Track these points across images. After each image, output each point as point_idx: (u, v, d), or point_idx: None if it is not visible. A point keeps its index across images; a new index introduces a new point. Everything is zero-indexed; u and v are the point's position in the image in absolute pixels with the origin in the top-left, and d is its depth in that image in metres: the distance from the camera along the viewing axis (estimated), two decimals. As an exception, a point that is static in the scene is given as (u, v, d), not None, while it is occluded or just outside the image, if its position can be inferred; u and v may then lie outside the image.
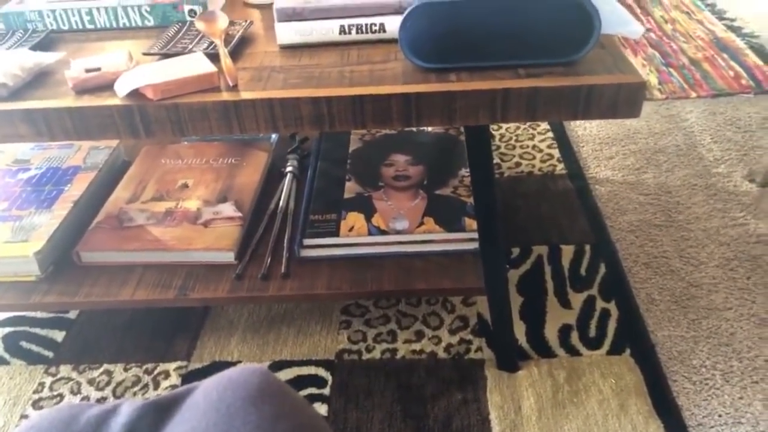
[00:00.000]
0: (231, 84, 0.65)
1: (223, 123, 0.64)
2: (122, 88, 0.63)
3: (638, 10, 1.96)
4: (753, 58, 1.64)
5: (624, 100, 0.61)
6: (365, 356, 0.96)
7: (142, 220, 0.97)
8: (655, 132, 1.41)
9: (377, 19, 0.71)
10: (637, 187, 1.26)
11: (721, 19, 1.87)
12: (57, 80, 0.69)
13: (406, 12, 0.62)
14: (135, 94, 0.63)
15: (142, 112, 0.63)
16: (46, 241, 0.92)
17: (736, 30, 1.79)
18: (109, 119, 0.63)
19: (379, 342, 0.98)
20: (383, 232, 0.91)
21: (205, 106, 0.63)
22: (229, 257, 0.92)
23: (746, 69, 1.60)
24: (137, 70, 0.65)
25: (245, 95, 0.63)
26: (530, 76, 0.62)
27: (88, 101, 0.63)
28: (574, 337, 0.96)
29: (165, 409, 0.42)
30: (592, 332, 0.97)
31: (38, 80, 0.69)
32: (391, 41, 0.71)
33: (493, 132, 1.44)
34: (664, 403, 0.86)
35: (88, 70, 0.65)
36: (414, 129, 1.13)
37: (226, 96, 0.63)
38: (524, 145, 1.39)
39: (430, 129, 1.13)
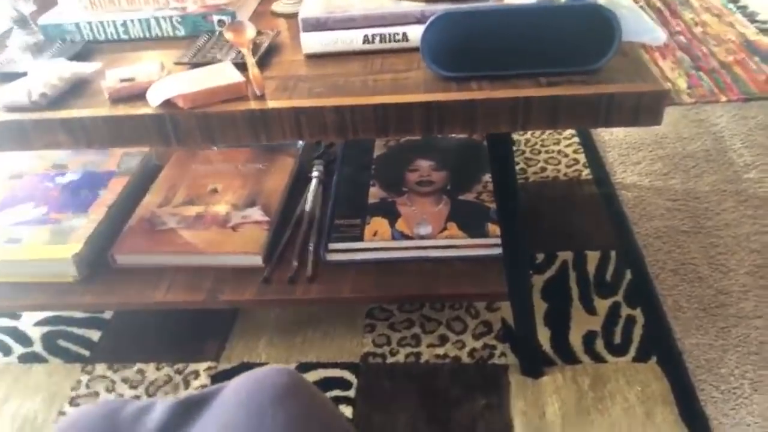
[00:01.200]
0: (258, 93, 0.67)
1: (251, 131, 0.66)
2: (155, 97, 0.65)
3: (667, 13, 1.93)
4: (787, 61, 1.61)
5: (645, 108, 0.61)
6: (389, 360, 0.97)
7: (174, 224, 1.00)
8: (684, 137, 1.40)
9: (399, 29, 0.72)
10: (665, 192, 1.24)
11: (753, 21, 1.83)
12: (94, 89, 0.72)
13: (427, 22, 0.63)
14: (167, 103, 0.66)
15: (173, 121, 0.65)
16: (84, 244, 0.96)
17: (769, 32, 1.76)
18: (142, 128, 0.66)
19: (404, 346, 0.99)
20: (407, 237, 0.92)
21: (234, 115, 0.65)
22: (256, 261, 0.94)
23: (780, 72, 1.56)
24: (169, 80, 0.68)
25: (272, 104, 0.65)
26: (551, 85, 0.63)
27: (122, 110, 0.66)
28: (599, 344, 0.96)
29: (196, 406, 0.44)
30: (618, 339, 0.96)
31: (76, 89, 0.73)
32: (414, 50, 0.72)
33: (518, 137, 1.45)
34: (691, 412, 0.86)
35: (122, 80, 0.68)
36: (437, 135, 1.14)
37: (253, 105, 0.65)
38: (549, 150, 1.39)
39: (453, 135, 1.14)
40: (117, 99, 0.68)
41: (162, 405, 0.45)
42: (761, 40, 1.72)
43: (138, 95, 0.68)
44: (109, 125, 0.66)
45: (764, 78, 1.55)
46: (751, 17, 1.86)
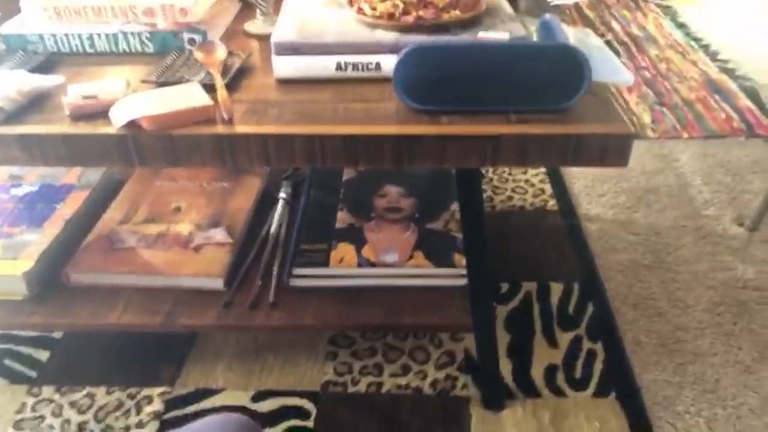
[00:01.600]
0: (226, 117, 0.65)
1: (217, 156, 0.64)
2: (118, 117, 0.63)
3: (634, 48, 1.99)
4: (745, 101, 1.67)
5: (613, 149, 0.62)
6: (350, 389, 0.95)
7: (134, 242, 0.97)
8: (648, 170, 1.43)
9: (373, 58, 0.72)
10: (628, 226, 1.27)
11: (714, 60, 1.90)
12: (54, 105, 0.69)
13: (400, 55, 0.63)
14: (130, 123, 0.64)
15: (136, 142, 0.63)
16: (36, 261, 0.92)
17: (729, 72, 1.82)
18: (103, 148, 0.64)
19: (365, 375, 0.97)
20: (373, 265, 0.91)
21: (200, 139, 0.63)
22: (218, 284, 0.92)
23: (738, 112, 1.62)
24: (133, 98, 0.66)
25: (240, 129, 0.64)
26: (521, 122, 0.63)
27: (83, 128, 0.64)
28: (560, 378, 0.96)
29: None
30: (578, 373, 0.97)
31: (36, 104, 0.70)
32: (387, 80, 0.72)
33: (488, 165, 1.46)
34: (647, 449, 0.86)
35: (84, 97, 0.66)
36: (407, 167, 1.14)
37: (220, 129, 0.64)
38: (517, 179, 1.40)
39: (424, 162, 1.14)
40: (78, 116, 0.66)
41: None
42: (722, 79, 1.78)
43: (100, 113, 0.66)
44: (68, 144, 0.64)
45: (724, 117, 1.60)
46: (713, 56, 1.92)
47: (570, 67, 0.63)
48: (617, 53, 1.96)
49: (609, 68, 0.69)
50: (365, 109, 0.67)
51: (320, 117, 0.66)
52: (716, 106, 1.65)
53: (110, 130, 0.64)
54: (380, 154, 0.63)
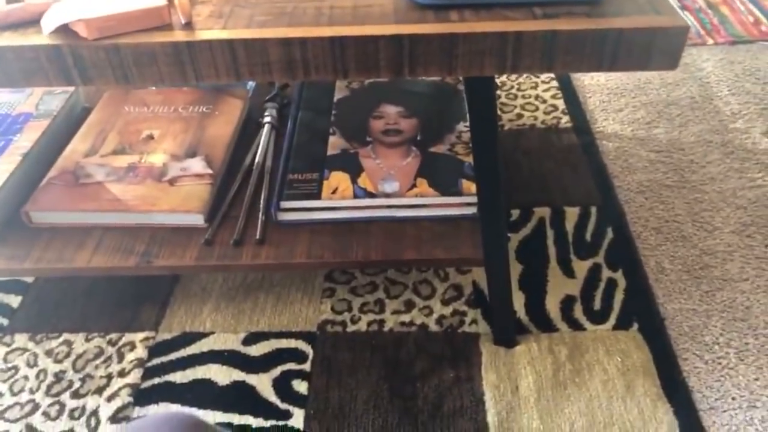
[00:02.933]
0: (183, 21, 0.53)
1: (175, 69, 0.52)
2: (49, 23, 0.51)
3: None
4: (775, 2, 1.51)
5: (660, 48, 0.50)
6: (350, 328, 0.88)
7: (101, 177, 0.87)
8: (668, 82, 1.30)
9: (364, -56, 0.58)
10: (648, 143, 1.16)
11: (741, -43, 1.72)
12: (-24, 13, 0.57)
13: (398, -68, 0.50)
14: (67, 31, 0.52)
15: (75, 55, 0.52)
16: (-9, 199, 0.82)
17: (757, -30, 1.65)
18: (34, 62, 0.52)
19: (366, 312, 0.89)
20: (370, 195, 0.81)
21: (153, 49, 0.52)
22: (197, 220, 0.82)
23: (766, 14, 1.47)
24: (70, 2, 0.53)
25: (201, 35, 0.52)
26: (547, 17, 0.51)
27: (8, 40, 0.52)
28: (578, 310, 0.88)
29: None
30: (597, 304, 0.89)
31: (-45, 13, 0.57)
32: (381, -29, 0.59)
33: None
34: (673, 385, 0.80)
35: (9, 2, 0.53)
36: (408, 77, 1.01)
37: (178, 36, 0.52)
38: (527, 95, 1.28)
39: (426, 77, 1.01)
40: (3, 26, 0.54)
41: None
42: (749, -21, 1.62)
43: (30, 21, 0.54)
44: (-8, 59, 0.52)
45: (752, 20, 1.45)
46: (739, -47, 1.74)
47: (608, -55, 0.50)
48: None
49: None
50: (356, 6, 0.55)
51: (301, 18, 0.54)
52: (742, 8, 1.50)
53: (42, 40, 0.52)
54: (375, 62, 0.52)
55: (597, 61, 0.51)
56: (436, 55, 0.51)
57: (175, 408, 0.80)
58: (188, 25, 0.53)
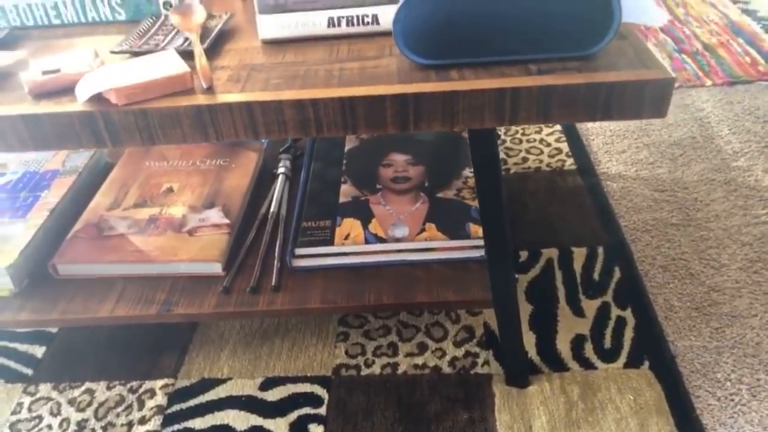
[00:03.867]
0: (205, 86, 0.58)
1: (198, 130, 0.57)
2: (83, 92, 0.56)
3: (648, -7, 1.87)
4: (771, 43, 1.56)
5: (650, 99, 0.54)
6: (364, 372, 0.89)
7: (124, 229, 0.91)
8: (669, 123, 1.34)
9: (370, 10, 0.63)
10: (652, 182, 1.18)
11: (734, 2, 1.78)
12: (13, 84, 0.62)
13: (399, 3, 0.55)
14: (98, 98, 0.57)
15: (106, 119, 0.56)
16: (20, 253, 0.86)
17: (751, 13, 1.71)
18: (68, 127, 0.56)
19: (379, 356, 0.91)
20: (381, 240, 0.84)
21: (177, 112, 0.56)
22: (216, 268, 0.86)
23: (763, 54, 1.51)
24: (101, 71, 0.58)
25: (222, 98, 0.56)
26: (543, 73, 0.55)
27: (45, 107, 0.57)
28: (588, 349, 0.90)
29: None
30: (608, 343, 0.90)
31: (-5, 83, 0.63)
32: (386, 34, 0.64)
33: (498, 125, 1.37)
34: (687, 422, 0.80)
35: (45, 72, 0.58)
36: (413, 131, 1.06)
37: (200, 99, 0.56)
38: (531, 139, 1.31)
39: (431, 125, 1.06)
40: (39, 94, 0.59)
41: None
42: (744, 21, 1.67)
43: (65, 90, 0.59)
44: (29, 125, 0.56)
45: (749, 60, 1.50)
46: (733, -3, 1.80)
47: (597, 6, 0.54)
48: None
49: (639, 6, 0.60)
50: (363, 68, 0.59)
51: (312, 80, 0.58)
52: (739, 49, 1.54)
53: (76, 107, 0.56)
54: (382, 118, 0.55)
55: (590, 112, 0.54)
56: (438, 111, 0.55)
57: (195, 454, 0.81)
58: (209, 90, 0.57)
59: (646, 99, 0.53)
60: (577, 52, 0.56)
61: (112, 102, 0.56)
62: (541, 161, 1.25)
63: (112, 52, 0.65)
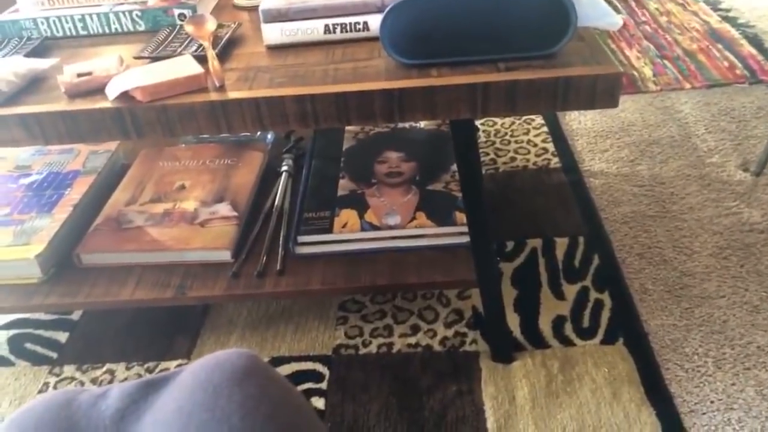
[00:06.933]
0: (218, 85, 0.66)
1: (211, 122, 0.65)
2: (112, 91, 0.65)
3: (633, 4, 1.96)
4: (748, 48, 1.64)
5: (602, 91, 0.62)
6: (362, 351, 0.97)
7: (141, 222, 0.99)
8: (650, 124, 1.42)
9: (360, 18, 0.72)
10: (632, 178, 1.27)
11: (715, 10, 1.87)
12: (50, 85, 0.71)
13: (385, 11, 0.63)
14: (125, 96, 0.65)
15: (132, 114, 0.65)
16: (47, 244, 0.94)
17: (731, 20, 1.79)
18: (100, 122, 0.65)
19: (376, 337, 0.99)
20: (376, 228, 0.92)
21: (193, 107, 0.65)
22: (225, 256, 0.94)
23: (741, 59, 1.60)
24: (127, 74, 0.67)
25: (232, 95, 0.65)
26: (509, 70, 0.63)
27: (80, 105, 0.65)
28: (568, 328, 0.97)
29: (154, 388, 0.44)
30: (586, 322, 0.98)
31: (33, 86, 0.71)
32: (375, 39, 0.72)
33: (489, 128, 1.46)
34: (656, 391, 0.87)
35: (79, 75, 0.67)
36: (406, 126, 1.15)
37: (213, 96, 0.65)
38: (519, 140, 1.40)
39: (422, 125, 1.14)
40: (74, 94, 0.67)
41: (118, 390, 0.45)
42: (724, 28, 1.76)
43: (96, 90, 0.68)
44: (66, 120, 0.65)
45: (726, 65, 1.58)
46: (714, 5, 1.89)
47: (556, 12, 0.63)
48: (617, 10, 1.94)
49: (595, 12, 0.69)
50: (355, 68, 0.68)
51: (311, 78, 0.66)
52: (718, 55, 1.63)
53: (106, 104, 0.65)
54: (371, 110, 0.64)
55: (551, 103, 0.63)
56: (420, 103, 0.63)
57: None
58: (221, 88, 0.66)
59: (598, 91, 0.62)
60: (539, 51, 0.64)
61: (137, 99, 0.65)
62: (528, 160, 1.34)
63: (136, 57, 0.74)
